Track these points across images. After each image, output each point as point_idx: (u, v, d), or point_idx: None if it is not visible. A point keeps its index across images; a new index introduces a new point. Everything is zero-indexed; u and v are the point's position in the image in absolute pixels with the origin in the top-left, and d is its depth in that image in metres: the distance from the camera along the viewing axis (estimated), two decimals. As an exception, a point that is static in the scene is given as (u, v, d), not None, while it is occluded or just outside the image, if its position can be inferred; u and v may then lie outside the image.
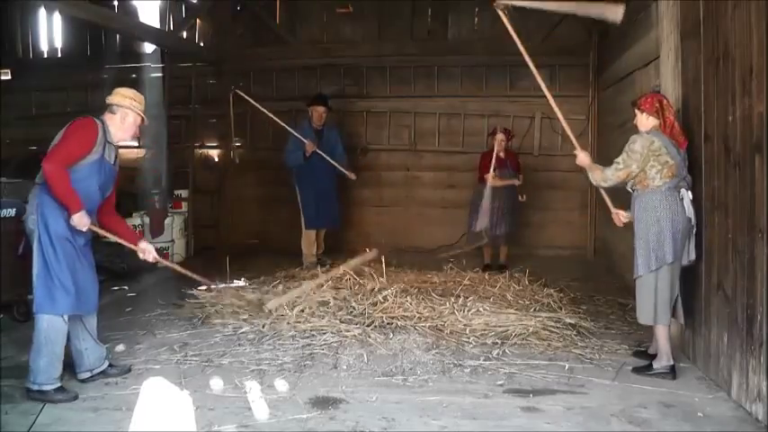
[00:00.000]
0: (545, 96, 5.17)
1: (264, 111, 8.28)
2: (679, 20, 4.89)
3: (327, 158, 8.08)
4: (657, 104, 4.41)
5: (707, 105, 4.37)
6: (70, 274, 4.07)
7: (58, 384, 4.05)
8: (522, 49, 5.09)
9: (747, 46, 3.72)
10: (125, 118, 4.33)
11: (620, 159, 4.45)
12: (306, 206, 8.28)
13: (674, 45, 4.95)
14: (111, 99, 4.36)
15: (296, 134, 8.06)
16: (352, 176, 8.34)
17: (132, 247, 4.60)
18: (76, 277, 4.11)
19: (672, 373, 4.35)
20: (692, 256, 4.45)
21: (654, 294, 4.40)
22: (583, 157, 4.79)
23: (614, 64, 8.02)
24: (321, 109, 8.23)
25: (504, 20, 5.06)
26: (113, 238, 4.53)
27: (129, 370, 4.53)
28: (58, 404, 3.94)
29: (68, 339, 4.24)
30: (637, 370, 4.46)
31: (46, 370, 4.00)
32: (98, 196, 4.29)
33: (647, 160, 4.34)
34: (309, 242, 8.35)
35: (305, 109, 9.76)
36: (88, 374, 4.33)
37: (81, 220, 4.05)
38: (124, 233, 4.62)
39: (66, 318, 4.08)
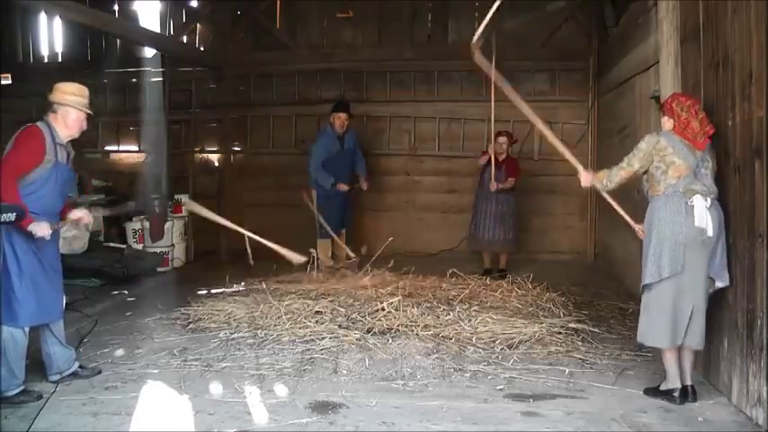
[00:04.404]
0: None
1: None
2: (679, 24, 4.89)
3: (346, 187, 8.31)
4: (674, 104, 4.13)
5: (707, 110, 4.35)
6: (33, 287, 4.10)
7: (21, 388, 4.09)
8: (510, 92, 4.86)
9: (747, 51, 3.73)
10: (66, 116, 4.24)
11: (625, 159, 4.23)
12: (323, 213, 8.30)
13: (673, 50, 4.95)
14: (51, 97, 4.26)
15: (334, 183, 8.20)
16: (364, 185, 8.53)
17: (65, 223, 4.43)
18: (40, 289, 4.14)
19: (680, 397, 4.02)
20: (720, 283, 4.01)
21: (649, 310, 4.11)
22: (586, 178, 4.47)
23: (614, 68, 8.03)
24: (343, 116, 8.33)
25: (481, 60, 4.83)
26: (61, 224, 4.39)
27: (100, 372, 4.57)
28: (58, 409, 3.94)
29: (38, 343, 4.35)
30: (646, 391, 4.24)
31: (6, 378, 4.03)
32: (60, 200, 4.30)
33: (651, 160, 4.09)
34: (324, 248, 8.39)
35: (305, 113, 9.84)
36: (58, 377, 4.38)
37: (38, 228, 4.00)
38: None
39: (26, 330, 4.12)
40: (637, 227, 4.36)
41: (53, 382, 4.33)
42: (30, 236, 4.03)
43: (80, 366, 4.52)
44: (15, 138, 4.13)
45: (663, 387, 4.14)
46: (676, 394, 4.04)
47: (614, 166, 4.31)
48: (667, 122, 4.17)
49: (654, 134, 4.18)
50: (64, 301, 4.47)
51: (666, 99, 4.31)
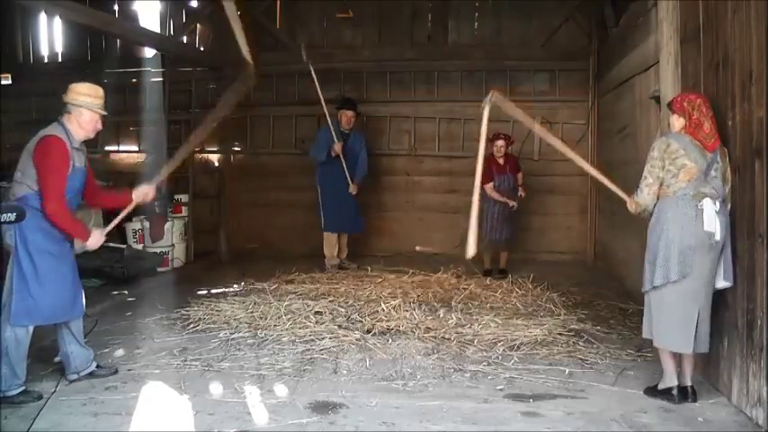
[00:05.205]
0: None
1: (321, 99, 8.43)
2: (679, 25, 4.89)
3: (343, 163, 8.28)
4: (685, 103, 4.03)
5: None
6: (49, 285, 4.11)
7: (22, 388, 4.09)
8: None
9: (747, 51, 3.73)
10: (80, 117, 4.23)
11: (645, 173, 4.08)
12: (326, 208, 8.38)
13: (673, 50, 4.95)
14: (65, 97, 4.26)
15: (332, 128, 8.26)
16: (353, 190, 8.43)
17: (131, 206, 4.58)
18: (57, 287, 4.16)
19: (678, 395, 4.01)
20: (721, 284, 3.97)
21: (657, 312, 4.06)
22: (633, 205, 4.26)
23: (614, 69, 8.03)
24: (350, 113, 8.40)
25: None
26: (118, 219, 4.54)
27: (116, 371, 4.58)
28: (58, 409, 3.94)
29: (41, 342, 4.42)
30: (646, 391, 4.21)
31: (7, 377, 4.04)
32: (77, 200, 4.36)
33: (664, 164, 4.00)
34: (330, 244, 8.46)
35: (305, 114, 9.85)
36: (75, 376, 4.40)
37: (94, 242, 4.18)
38: (116, 202, 4.65)
39: (30, 329, 4.13)
40: (628, 199, 4.30)
41: (71, 382, 4.36)
42: (45, 236, 4.08)
43: (97, 366, 4.53)
44: (40, 153, 4.07)
45: (660, 386, 4.13)
46: (674, 392, 4.03)
47: (638, 189, 4.15)
48: (677, 121, 4.07)
49: (662, 138, 4.10)
50: (84, 299, 4.48)
51: (675, 98, 4.21)
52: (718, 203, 3.93)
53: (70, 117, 4.25)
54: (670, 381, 4.07)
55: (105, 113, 4.36)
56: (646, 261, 4.14)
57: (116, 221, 4.54)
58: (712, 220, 3.89)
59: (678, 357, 4.09)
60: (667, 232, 3.95)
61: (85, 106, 4.24)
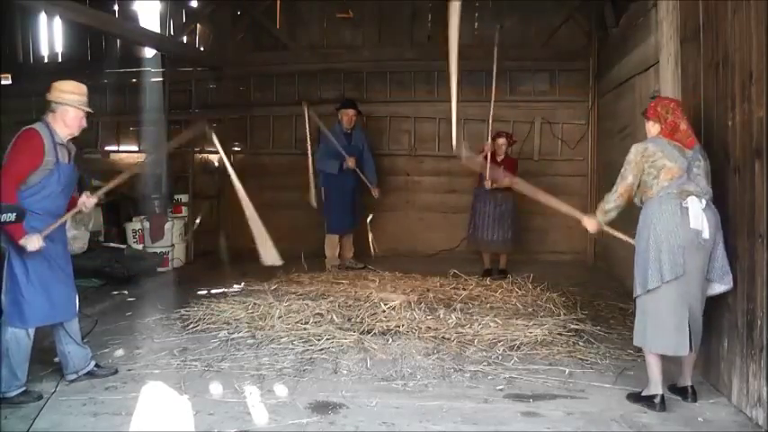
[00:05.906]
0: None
1: (321, 126, 8.54)
2: (679, 25, 4.89)
3: (361, 174, 8.41)
4: (659, 108, 4.09)
5: (706, 110, 4.36)
6: (41, 288, 4.11)
7: (22, 389, 4.09)
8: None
9: (747, 51, 3.73)
10: (65, 115, 4.21)
11: (618, 179, 4.12)
12: (333, 211, 8.41)
13: (673, 50, 4.95)
14: (49, 96, 4.23)
15: (332, 135, 8.31)
16: (375, 194, 8.54)
17: (74, 213, 4.45)
18: (49, 290, 4.15)
19: (659, 404, 3.91)
20: (723, 286, 3.97)
21: (651, 316, 3.99)
22: (590, 222, 4.44)
23: (614, 69, 8.03)
24: (351, 112, 8.43)
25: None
26: (61, 221, 4.33)
27: (116, 371, 4.58)
28: (58, 409, 3.95)
29: (42, 343, 4.39)
30: (629, 396, 4.15)
31: (7, 378, 4.04)
32: (64, 200, 4.30)
33: (642, 168, 4.00)
34: (332, 245, 8.50)
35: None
36: (74, 376, 4.40)
37: (30, 243, 3.97)
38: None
39: (30, 331, 4.12)
40: (583, 217, 4.50)
41: (70, 381, 4.36)
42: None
43: (96, 365, 4.53)
44: (13, 142, 4.11)
45: (644, 393, 4.05)
46: (657, 401, 3.94)
47: (606, 193, 4.24)
48: (653, 127, 4.12)
49: (640, 143, 4.11)
50: (77, 300, 4.48)
51: (649, 105, 4.25)
52: (704, 201, 3.89)
53: (55, 116, 4.22)
54: (655, 389, 3.98)
55: (90, 110, 4.34)
56: (636, 265, 4.09)
57: (55, 225, 4.23)
58: (698, 217, 3.84)
59: (667, 365, 4.03)
60: (655, 233, 3.91)
61: (70, 104, 4.22)
